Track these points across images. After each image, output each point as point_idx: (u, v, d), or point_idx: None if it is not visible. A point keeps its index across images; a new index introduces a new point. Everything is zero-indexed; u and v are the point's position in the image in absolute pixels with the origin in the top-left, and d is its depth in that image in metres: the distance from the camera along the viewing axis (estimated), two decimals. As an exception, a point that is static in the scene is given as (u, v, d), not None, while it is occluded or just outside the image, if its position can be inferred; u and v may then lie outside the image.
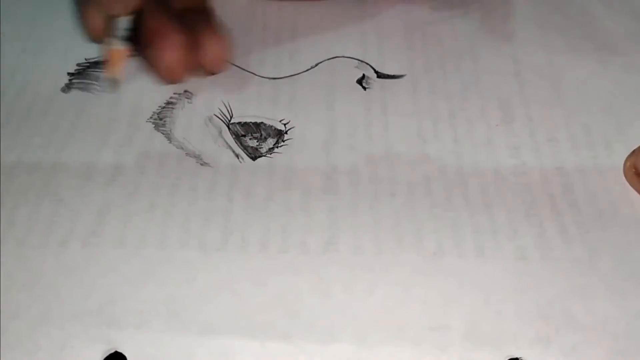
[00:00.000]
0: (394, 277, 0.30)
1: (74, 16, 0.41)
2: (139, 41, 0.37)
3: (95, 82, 0.38)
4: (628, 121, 0.36)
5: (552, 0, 0.42)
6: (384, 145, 0.35)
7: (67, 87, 0.38)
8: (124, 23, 0.36)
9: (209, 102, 0.37)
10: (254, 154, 0.35)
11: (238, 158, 0.35)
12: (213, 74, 0.38)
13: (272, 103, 0.37)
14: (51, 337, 0.28)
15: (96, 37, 0.38)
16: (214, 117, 0.37)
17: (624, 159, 0.34)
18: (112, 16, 0.36)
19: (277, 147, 0.35)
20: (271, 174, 0.34)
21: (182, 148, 0.35)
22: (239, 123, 0.36)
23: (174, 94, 0.38)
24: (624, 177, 0.34)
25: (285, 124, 0.36)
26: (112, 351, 0.27)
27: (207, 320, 0.29)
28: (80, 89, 0.38)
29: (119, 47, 0.37)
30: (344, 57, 0.40)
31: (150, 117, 0.36)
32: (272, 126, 0.36)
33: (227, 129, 0.36)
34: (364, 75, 0.39)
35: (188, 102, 0.37)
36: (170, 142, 0.35)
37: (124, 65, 0.37)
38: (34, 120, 0.36)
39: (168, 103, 0.37)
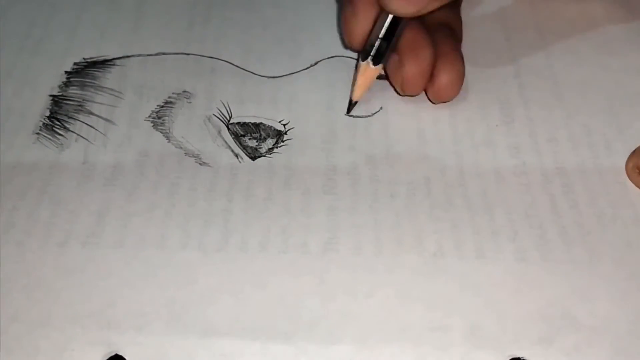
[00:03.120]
0: (394, 278, 0.30)
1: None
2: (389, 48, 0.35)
3: (94, 82, 0.38)
4: (628, 121, 0.36)
5: (551, 1, 0.42)
6: (384, 145, 0.35)
7: (65, 86, 0.38)
8: (379, 30, 0.35)
9: (208, 101, 0.37)
10: (254, 154, 0.35)
11: (237, 158, 0.35)
12: (439, 102, 0.37)
13: (272, 103, 0.37)
14: (51, 340, 0.28)
15: (355, 43, 0.36)
16: (213, 116, 0.36)
17: (624, 159, 0.34)
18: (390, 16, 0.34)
19: (277, 148, 0.35)
20: (271, 174, 0.34)
21: (181, 147, 0.35)
22: (238, 123, 0.36)
23: (173, 93, 0.37)
24: (624, 178, 0.34)
25: (284, 124, 0.36)
26: (113, 354, 0.27)
27: (207, 322, 0.29)
28: (78, 87, 0.38)
29: (372, 67, 0.35)
30: (343, 56, 0.39)
31: (149, 116, 0.36)
32: (271, 126, 0.36)
33: (226, 128, 0.36)
34: (363, 74, 0.38)
35: (187, 102, 0.37)
36: (169, 142, 0.35)
37: (369, 87, 0.36)
38: (32, 120, 0.36)
39: (167, 102, 0.37)
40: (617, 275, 0.30)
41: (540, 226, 0.32)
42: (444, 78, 0.35)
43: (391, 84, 0.37)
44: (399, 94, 0.37)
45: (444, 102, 0.37)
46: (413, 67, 0.35)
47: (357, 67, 0.36)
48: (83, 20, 0.42)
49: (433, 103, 0.37)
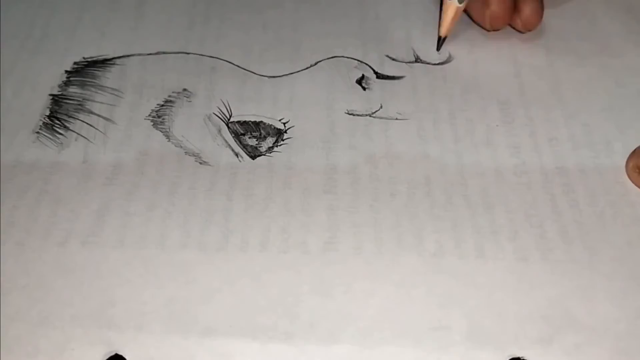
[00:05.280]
0: (394, 278, 0.30)
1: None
2: None
3: (94, 81, 0.38)
4: (628, 121, 0.36)
5: (551, 1, 0.42)
6: (384, 145, 0.35)
7: (65, 85, 0.38)
8: None
9: (208, 100, 0.37)
10: (254, 153, 0.35)
11: (237, 157, 0.35)
12: (527, 30, 0.40)
13: (272, 102, 0.37)
14: (51, 340, 0.28)
15: None
16: (213, 115, 0.36)
17: (625, 158, 0.34)
18: None
19: (277, 146, 0.35)
20: (271, 173, 0.34)
21: (181, 146, 0.35)
22: (238, 122, 0.36)
23: (173, 92, 0.37)
24: (624, 177, 0.34)
25: (284, 123, 0.36)
26: (113, 354, 0.27)
27: (207, 321, 0.29)
28: (78, 86, 0.38)
29: (456, 3, 0.39)
30: (343, 57, 0.39)
31: (149, 115, 0.36)
32: (271, 125, 0.36)
33: (226, 127, 0.36)
34: (363, 75, 0.38)
35: (187, 101, 0.37)
36: (169, 141, 0.35)
37: (455, 22, 0.39)
38: (32, 119, 0.36)
39: (167, 101, 0.37)
40: (617, 275, 0.30)
41: (540, 225, 0.32)
42: (527, 9, 0.39)
43: (473, 20, 0.41)
44: (485, 29, 0.41)
45: (530, 31, 0.40)
46: (498, 6, 0.39)
47: (442, 4, 0.40)
48: (83, 20, 0.42)
49: (522, 33, 0.40)
